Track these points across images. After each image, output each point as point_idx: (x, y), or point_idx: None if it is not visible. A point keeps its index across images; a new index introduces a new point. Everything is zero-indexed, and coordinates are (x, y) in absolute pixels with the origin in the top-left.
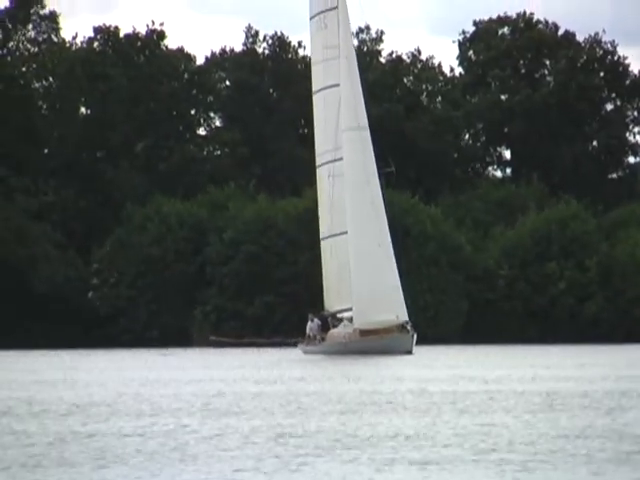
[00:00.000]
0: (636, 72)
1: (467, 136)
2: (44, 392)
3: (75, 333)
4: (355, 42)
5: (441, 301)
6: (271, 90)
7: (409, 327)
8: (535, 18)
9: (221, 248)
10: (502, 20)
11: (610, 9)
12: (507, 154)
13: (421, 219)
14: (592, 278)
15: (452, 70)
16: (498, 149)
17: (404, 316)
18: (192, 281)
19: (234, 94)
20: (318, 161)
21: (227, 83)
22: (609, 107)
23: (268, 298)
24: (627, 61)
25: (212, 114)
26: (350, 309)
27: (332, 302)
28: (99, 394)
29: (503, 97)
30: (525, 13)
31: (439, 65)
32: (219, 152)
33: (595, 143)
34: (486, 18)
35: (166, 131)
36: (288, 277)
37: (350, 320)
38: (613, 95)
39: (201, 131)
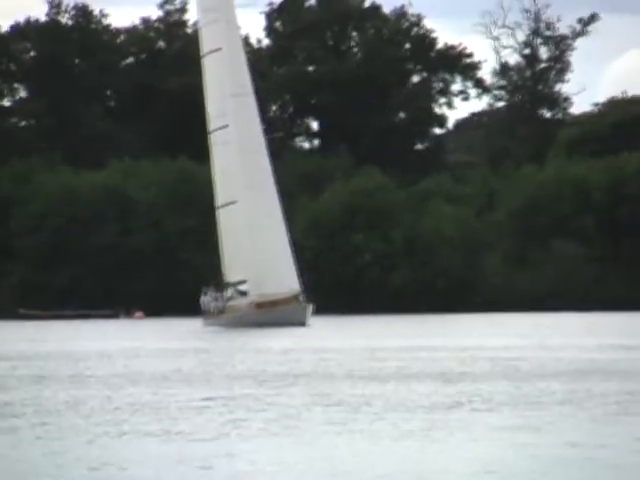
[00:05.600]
0: (442, 44)
1: (274, 107)
2: None
3: None
4: (160, 13)
5: None
6: (76, 61)
7: (301, 298)
8: None
9: (26, 220)
10: None
11: None
12: (315, 125)
13: None
14: (397, 249)
15: (259, 41)
16: (305, 120)
17: (296, 287)
18: None
19: (39, 65)
20: (210, 127)
21: (32, 54)
22: (415, 79)
23: (73, 270)
24: (434, 34)
25: (16, 85)
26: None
27: (230, 273)
28: None
29: (310, 68)
30: None
31: (246, 36)
32: (24, 123)
33: (402, 115)
34: None
35: None
36: (94, 249)
37: (245, 293)
38: (419, 67)
39: (5, 102)
